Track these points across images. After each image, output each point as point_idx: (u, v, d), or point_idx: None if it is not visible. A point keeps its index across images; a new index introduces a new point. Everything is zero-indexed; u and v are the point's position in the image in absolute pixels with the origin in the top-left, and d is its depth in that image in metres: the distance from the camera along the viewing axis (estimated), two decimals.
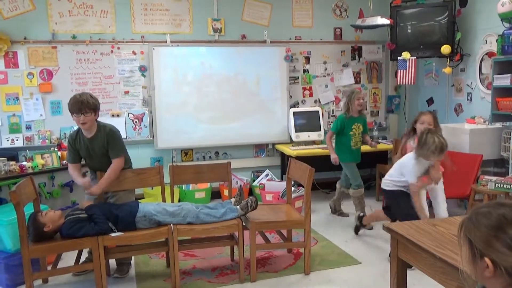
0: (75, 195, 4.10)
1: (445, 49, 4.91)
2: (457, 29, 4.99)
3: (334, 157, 4.48)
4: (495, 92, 4.41)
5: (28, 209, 3.07)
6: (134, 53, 5.29)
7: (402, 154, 3.73)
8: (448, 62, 5.05)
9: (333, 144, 4.56)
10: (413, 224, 2.46)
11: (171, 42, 5.33)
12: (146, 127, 5.31)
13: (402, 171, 3.51)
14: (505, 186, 3.89)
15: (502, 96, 4.33)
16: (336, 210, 4.87)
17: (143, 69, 5.31)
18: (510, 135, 4.28)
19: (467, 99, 5.15)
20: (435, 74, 5.56)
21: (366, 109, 6.07)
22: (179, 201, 5.06)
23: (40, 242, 2.99)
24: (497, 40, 4.39)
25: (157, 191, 3.92)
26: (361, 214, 4.21)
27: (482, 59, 4.90)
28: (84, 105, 3.22)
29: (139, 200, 3.92)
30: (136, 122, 5.28)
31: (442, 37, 5.01)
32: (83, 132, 3.35)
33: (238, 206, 3.34)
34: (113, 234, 3.05)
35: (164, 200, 3.65)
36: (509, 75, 4.21)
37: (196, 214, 3.26)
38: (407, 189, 3.49)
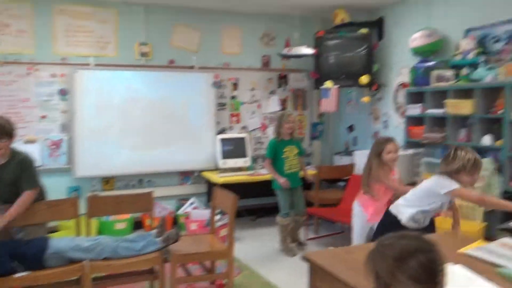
0: None
1: (364, 79, 5.19)
2: (374, 60, 5.30)
3: (282, 181, 4.33)
4: (408, 121, 4.72)
5: None
6: (53, 75, 5.03)
7: (370, 191, 3.50)
8: (366, 92, 5.33)
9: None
10: (329, 252, 2.50)
11: (95, 65, 5.15)
12: (64, 154, 5.02)
13: (433, 193, 2.81)
14: None
15: (414, 124, 4.64)
16: (294, 240, 4.64)
17: (63, 93, 5.06)
18: (421, 161, 4.57)
19: (384, 127, 5.45)
20: (355, 103, 5.85)
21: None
22: (98, 233, 4.82)
23: None
24: (409, 72, 4.72)
25: (73, 223, 3.69)
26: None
27: (397, 90, 5.23)
28: (0, 130, 2.99)
29: (54, 234, 3.68)
30: (54, 148, 4.98)
31: (362, 67, 5.29)
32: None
33: (159, 239, 3.23)
34: (16, 275, 2.80)
35: (79, 233, 3.43)
36: (419, 105, 4.54)
37: (114, 248, 3.09)
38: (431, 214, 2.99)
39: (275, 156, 4.42)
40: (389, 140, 3.53)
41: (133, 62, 5.36)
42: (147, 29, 5.42)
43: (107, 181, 5.30)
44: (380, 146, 3.48)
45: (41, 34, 4.98)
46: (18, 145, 4.82)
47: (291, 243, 4.56)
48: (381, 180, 3.44)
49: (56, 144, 4.99)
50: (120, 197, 3.71)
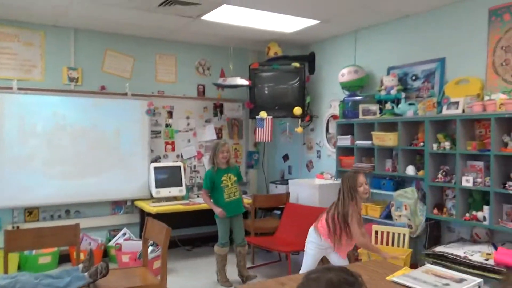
0: None
1: (297, 110, 5.37)
2: (307, 93, 5.52)
3: (218, 211, 4.25)
4: (339, 151, 4.92)
5: None
6: None
7: (328, 227, 3.35)
8: (300, 122, 5.51)
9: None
10: (262, 284, 2.50)
11: (18, 89, 4.86)
12: None
13: None
14: None
15: (344, 154, 4.85)
16: (242, 275, 4.42)
17: None
18: None
19: (317, 156, 5.64)
20: (289, 133, 6.02)
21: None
22: (19, 268, 4.44)
23: None
24: (339, 105, 4.96)
25: None
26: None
27: (328, 121, 5.46)
28: None
29: None
30: None
31: (294, 99, 5.48)
32: None
33: (86, 273, 3.03)
34: None
35: None
36: (349, 136, 4.76)
37: (34, 286, 2.85)
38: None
39: (213, 186, 4.32)
40: (357, 172, 3.42)
41: (61, 87, 5.14)
42: (76, 53, 5.24)
43: (31, 212, 4.93)
44: (354, 178, 3.28)
45: None
46: None
47: (241, 276, 4.42)
48: (349, 223, 3.23)
49: None
50: (43, 230, 3.45)
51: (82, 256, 3.47)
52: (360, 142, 4.60)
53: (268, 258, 5.19)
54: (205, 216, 4.54)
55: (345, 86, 4.91)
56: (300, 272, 3.29)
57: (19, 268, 4.46)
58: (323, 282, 1.30)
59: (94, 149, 5.19)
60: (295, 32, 5.14)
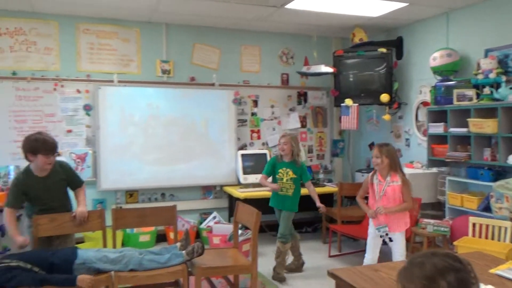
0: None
1: (384, 97, 5.21)
2: (394, 79, 5.33)
3: (274, 186, 4.17)
4: (430, 139, 4.71)
5: None
6: (78, 91, 5.16)
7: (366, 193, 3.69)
8: (387, 110, 5.35)
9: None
10: (356, 269, 2.50)
11: (118, 82, 5.27)
12: (89, 167, 5.11)
13: None
14: (442, 229, 4.08)
15: (436, 143, 4.63)
16: (274, 270, 4.24)
17: (87, 108, 5.18)
18: (445, 179, 4.54)
19: (406, 145, 5.44)
20: (376, 120, 5.86)
21: (312, 152, 6.24)
22: (123, 245, 4.86)
23: None
24: (430, 91, 4.73)
25: (98, 234, 3.73)
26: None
27: (418, 108, 5.24)
28: (56, 146, 3.26)
29: (79, 245, 3.73)
30: (79, 162, 5.07)
31: (381, 86, 5.32)
32: (37, 172, 3.25)
33: (183, 251, 3.25)
34: None
35: (105, 244, 3.48)
36: (442, 123, 4.53)
37: (139, 260, 3.12)
38: None
39: (272, 175, 4.27)
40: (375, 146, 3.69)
41: (155, 79, 5.48)
42: (168, 47, 5.54)
43: (131, 194, 5.37)
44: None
45: (66, 52, 5.13)
46: None
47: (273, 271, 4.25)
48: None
49: (81, 158, 5.08)
50: (144, 210, 3.76)
51: (174, 238, 3.70)
52: (454, 130, 4.36)
53: (355, 247, 5.14)
54: None
55: (437, 70, 4.67)
56: None
57: (123, 245, 4.88)
58: (427, 267, 1.25)
59: (184, 137, 5.48)
60: (382, 16, 4.98)
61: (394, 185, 3.51)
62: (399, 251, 3.54)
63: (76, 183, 3.51)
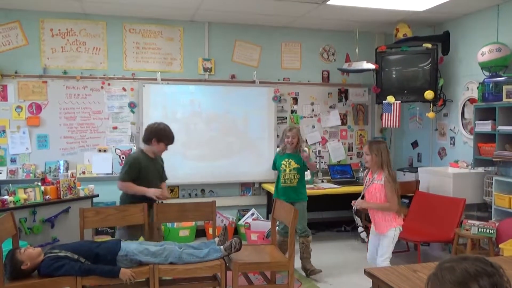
0: (56, 231, 4.04)
1: (428, 94, 5.06)
2: (439, 75, 5.16)
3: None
4: (477, 138, 4.53)
5: (7, 245, 3.00)
6: (124, 89, 5.35)
7: None
8: (431, 107, 5.19)
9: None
10: (394, 269, 2.46)
11: (162, 80, 5.42)
12: None
13: None
14: (488, 230, 3.92)
15: (483, 141, 4.45)
16: (306, 269, 4.21)
17: (132, 106, 5.36)
18: (492, 180, 4.35)
19: (450, 143, 5.26)
20: (419, 118, 5.70)
21: (352, 150, 6.16)
22: (163, 239, 4.99)
23: (17, 280, 2.91)
24: (478, 88, 4.55)
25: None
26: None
27: (464, 105, 5.05)
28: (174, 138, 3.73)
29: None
30: (123, 158, 5.27)
31: (425, 82, 5.17)
32: (150, 154, 3.67)
33: (222, 247, 3.31)
34: None
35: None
36: (490, 121, 4.34)
37: (179, 254, 3.22)
38: None
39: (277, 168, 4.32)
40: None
41: (197, 77, 5.59)
42: (210, 45, 5.63)
43: (172, 189, 5.52)
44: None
45: (113, 51, 5.33)
46: (92, 153, 5.22)
47: (305, 270, 4.22)
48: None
49: (126, 154, 5.27)
50: (184, 205, 3.86)
51: (213, 233, 3.77)
52: (503, 128, 4.17)
53: (395, 247, 5.01)
54: (330, 201, 4.55)
55: (485, 66, 4.48)
56: None
57: (163, 238, 5.01)
58: (458, 272, 1.21)
59: (225, 134, 5.56)
60: (428, 10, 4.82)
61: (376, 184, 3.46)
62: (380, 252, 3.47)
63: (163, 176, 3.85)
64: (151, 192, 3.54)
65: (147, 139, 3.64)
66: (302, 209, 4.13)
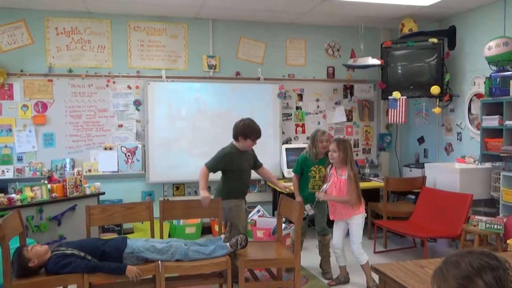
0: (63, 229, 4.05)
1: (435, 89, 5.02)
2: (446, 70, 5.12)
3: (298, 199, 4.00)
4: (484, 133, 4.49)
5: (14, 243, 3.02)
6: (129, 87, 5.36)
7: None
8: (437, 102, 5.15)
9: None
10: (401, 265, 2.45)
11: (166, 77, 5.42)
12: (139, 160, 5.31)
13: None
14: (495, 226, 3.89)
15: (491, 136, 4.41)
16: (322, 268, 4.18)
17: (137, 103, 5.37)
18: (499, 175, 4.32)
19: (457, 139, 5.22)
20: (425, 114, 5.66)
21: (358, 146, 6.14)
22: (169, 236, 5.01)
23: (24, 277, 2.92)
24: (484, 82, 4.51)
25: (147, 226, 3.89)
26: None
27: (471, 100, 5.01)
28: (261, 134, 3.85)
29: (128, 235, 3.89)
30: (129, 155, 5.28)
31: (432, 78, 5.13)
32: (240, 149, 3.81)
33: (227, 243, 3.31)
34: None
35: (153, 235, 3.61)
36: (497, 116, 4.30)
37: (185, 251, 3.22)
38: None
39: (302, 173, 4.14)
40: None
41: (202, 74, 5.58)
42: (214, 42, 5.62)
43: (178, 187, 5.53)
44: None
45: (118, 49, 5.34)
46: (98, 151, 5.23)
47: (321, 268, 4.18)
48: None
49: (131, 152, 5.29)
50: (190, 202, 3.85)
51: (219, 230, 3.76)
52: (510, 123, 4.13)
53: (401, 243, 5.02)
54: None
55: (492, 60, 4.44)
56: None
57: (169, 236, 5.04)
58: (462, 267, 1.21)
59: (230, 131, 5.45)
60: (434, 4, 4.78)
61: (340, 178, 3.68)
62: (353, 239, 3.73)
63: (258, 162, 4.05)
64: (201, 197, 3.62)
65: (235, 137, 3.81)
66: (322, 210, 4.10)
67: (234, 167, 3.79)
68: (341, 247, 3.80)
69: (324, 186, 3.75)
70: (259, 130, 3.80)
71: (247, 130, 3.75)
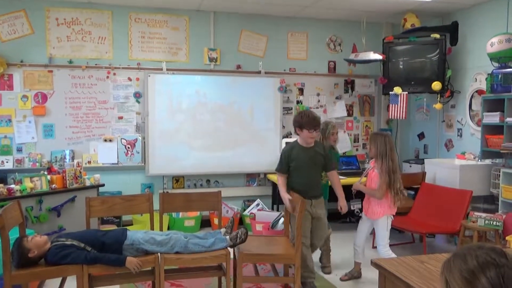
0: (62, 220, 4.05)
1: (436, 85, 5.01)
2: (447, 66, 5.11)
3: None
4: (484, 129, 4.49)
5: (14, 233, 3.01)
6: (129, 79, 5.33)
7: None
8: (438, 98, 5.14)
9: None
10: (401, 260, 2.44)
11: (167, 69, 5.39)
12: (138, 153, 5.30)
13: None
14: (494, 223, 3.90)
15: (491, 133, 4.41)
16: (321, 262, 4.21)
17: (137, 96, 5.35)
18: (499, 172, 4.32)
19: (458, 135, 5.22)
20: (426, 109, 5.66)
21: (358, 141, 6.15)
22: (168, 228, 5.01)
23: (24, 267, 2.92)
24: (486, 79, 4.50)
25: (146, 218, 3.89)
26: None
27: (472, 96, 5.00)
28: (318, 123, 3.63)
29: (127, 227, 3.88)
30: (129, 147, 5.27)
31: (433, 73, 5.12)
32: (303, 143, 3.63)
33: (227, 237, 3.31)
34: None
35: (152, 227, 3.60)
36: (498, 113, 4.30)
37: (185, 243, 3.21)
38: None
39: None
40: None
41: (202, 67, 5.56)
42: (215, 35, 5.60)
43: (177, 179, 5.52)
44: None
45: (119, 41, 5.31)
46: (98, 143, 5.22)
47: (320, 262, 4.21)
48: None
49: (131, 144, 5.28)
50: (190, 195, 3.83)
51: (218, 224, 3.76)
52: (511, 120, 4.13)
53: (400, 239, 5.02)
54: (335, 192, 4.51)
55: (494, 57, 4.42)
56: None
57: (169, 228, 5.03)
58: (468, 261, 1.21)
59: (230, 125, 5.55)
60: (436, 0, 4.76)
61: (374, 172, 3.70)
62: (378, 237, 3.72)
63: (329, 165, 3.75)
64: (284, 200, 3.55)
65: (295, 130, 3.72)
66: (325, 203, 4.12)
67: (294, 163, 3.64)
68: (362, 245, 3.78)
69: (360, 178, 3.83)
70: (312, 118, 3.55)
71: (300, 120, 3.58)
